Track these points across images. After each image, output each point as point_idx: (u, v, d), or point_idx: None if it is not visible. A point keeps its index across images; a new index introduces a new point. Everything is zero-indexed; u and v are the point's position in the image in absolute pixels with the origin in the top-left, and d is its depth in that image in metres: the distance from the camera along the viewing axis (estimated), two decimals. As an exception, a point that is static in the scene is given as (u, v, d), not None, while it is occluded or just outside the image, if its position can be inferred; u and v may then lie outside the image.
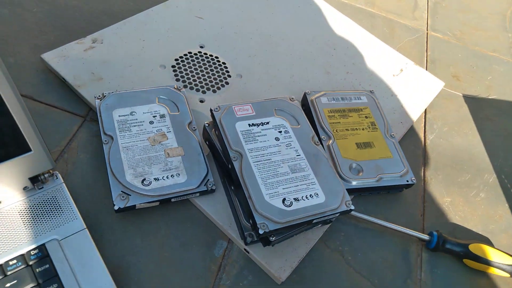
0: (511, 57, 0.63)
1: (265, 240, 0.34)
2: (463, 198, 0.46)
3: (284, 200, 0.34)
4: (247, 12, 0.58)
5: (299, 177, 0.35)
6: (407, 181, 0.42)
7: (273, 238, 0.34)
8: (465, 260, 0.40)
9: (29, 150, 0.31)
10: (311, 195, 0.34)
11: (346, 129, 0.44)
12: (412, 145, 0.49)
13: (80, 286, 0.31)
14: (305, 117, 0.40)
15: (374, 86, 0.53)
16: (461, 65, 0.60)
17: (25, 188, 0.34)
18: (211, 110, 0.38)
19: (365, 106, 0.47)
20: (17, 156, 0.31)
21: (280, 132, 0.38)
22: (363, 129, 0.45)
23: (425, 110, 0.54)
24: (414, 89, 0.54)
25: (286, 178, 0.35)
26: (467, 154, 0.50)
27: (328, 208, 0.34)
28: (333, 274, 0.38)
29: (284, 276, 0.36)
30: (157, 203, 0.37)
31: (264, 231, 0.32)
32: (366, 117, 0.46)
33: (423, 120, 0.52)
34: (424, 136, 0.51)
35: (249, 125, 0.37)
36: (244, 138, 0.36)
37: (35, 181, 0.34)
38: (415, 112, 0.51)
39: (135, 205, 0.36)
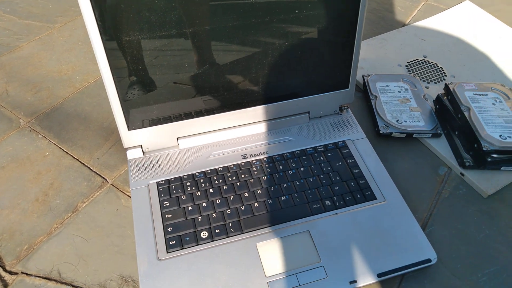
0: None
1: (482, 161, 0.53)
2: None
3: (500, 135, 0.52)
4: (454, 37, 0.79)
5: (511, 126, 0.54)
6: None
7: (490, 159, 0.52)
8: None
9: (347, 87, 0.58)
10: (520, 136, 0.52)
11: (543, 114, 0.60)
12: None
13: (365, 163, 0.55)
14: (514, 96, 0.58)
15: None
16: None
17: (335, 111, 0.60)
18: (446, 84, 0.60)
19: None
20: (343, 89, 0.58)
21: (496, 101, 0.57)
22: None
23: None
24: None
25: (501, 125, 0.54)
26: None
27: (533, 145, 0.51)
28: (528, 201, 0.53)
29: (490, 192, 0.53)
30: (404, 135, 0.60)
31: (487, 149, 0.51)
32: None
33: None
34: None
35: (473, 94, 0.58)
36: (470, 100, 0.57)
37: (340, 109, 0.60)
38: None
39: (391, 133, 0.59)
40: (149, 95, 0.49)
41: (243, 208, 0.47)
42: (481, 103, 0.57)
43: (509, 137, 0.53)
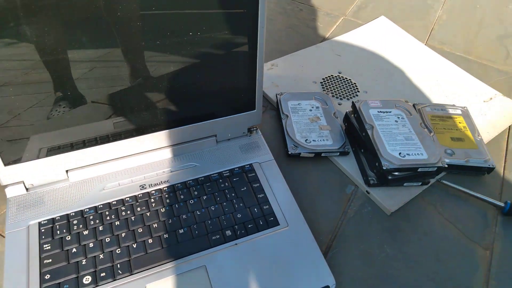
0: None
1: (384, 179, 0.54)
2: (539, 189, 0.59)
3: (400, 153, 0.53)
4: (369, 52, 0.81)
5: (410, 143, 0.55)
6: (489, 165, 0.58)
7: (391, 177, 0.53)
8: (535, 225, 0.54)
9: (254, 109, 0.57)
10: (417, 153, 0.54)
11: (444, 128, 0.63)
12: (497, 149, 0.65)
13: (271, 187, 0.53)
14: (416, 111, 0.60)
15: (468, 106, 0.70)
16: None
17: (243, 133, 0.59)
18: (352, 102, 0.61)
19: (459, 115, 0.65)
20: (249, 111, 0.56)
21: (398, 117, 0.59)
22: (456, 129, 0.63)
23: (510, 127, 0.69)
24: (500, 112, 0.70)
25: (401, 142, 0.55)
26: (546, 161, 0.63)
27: (429, 162, 0.53)
28: (426, 216, 0.55)
29: (393, 209, 0.54)
30: (312, 155, 0.59)
31: (387, 168, 0.52)
32: (459, 122, 0.64)
33: (507, 134, 0.68)
34: (507, 143, 0.66)
35: (378, 111, 0.59)
36: (374, 118, 0.58)
37: (249, 130, 0.59)
38: (500, 127, 0.67)
39: (300, 153, 0.59)
40: (27, 124, 0.44)
41: (135, 246, 0.44)
42: (384, 120, 0.58)
43: (408, 154, 0.54)
